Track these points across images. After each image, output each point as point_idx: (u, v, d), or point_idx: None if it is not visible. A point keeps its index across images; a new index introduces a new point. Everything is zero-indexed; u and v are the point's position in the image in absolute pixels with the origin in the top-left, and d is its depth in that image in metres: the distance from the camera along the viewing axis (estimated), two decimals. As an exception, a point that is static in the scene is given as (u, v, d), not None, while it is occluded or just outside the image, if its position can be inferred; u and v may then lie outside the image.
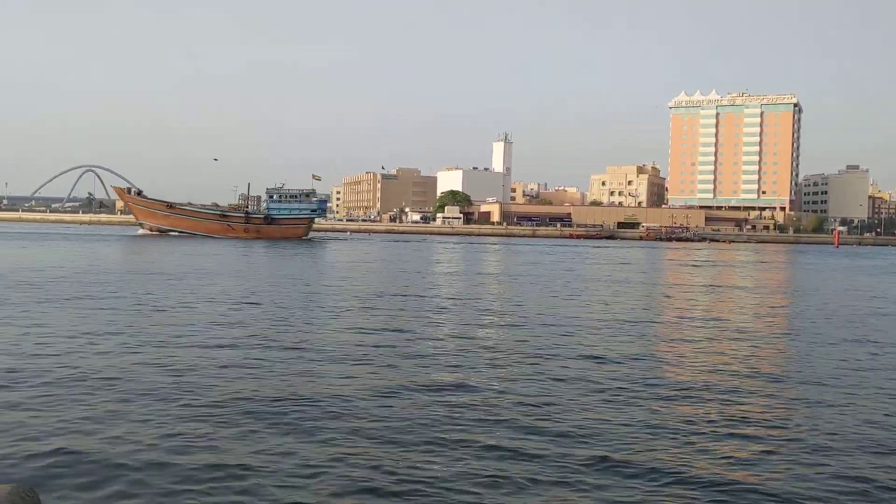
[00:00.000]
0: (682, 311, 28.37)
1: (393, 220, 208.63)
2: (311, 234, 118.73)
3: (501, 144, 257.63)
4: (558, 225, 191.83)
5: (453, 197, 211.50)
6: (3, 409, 11.41)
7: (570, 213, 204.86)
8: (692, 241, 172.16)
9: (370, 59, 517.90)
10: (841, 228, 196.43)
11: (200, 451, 9.80)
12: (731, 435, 11.16)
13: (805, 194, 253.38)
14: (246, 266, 48.19)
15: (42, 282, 32.01)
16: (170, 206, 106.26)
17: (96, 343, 17.50)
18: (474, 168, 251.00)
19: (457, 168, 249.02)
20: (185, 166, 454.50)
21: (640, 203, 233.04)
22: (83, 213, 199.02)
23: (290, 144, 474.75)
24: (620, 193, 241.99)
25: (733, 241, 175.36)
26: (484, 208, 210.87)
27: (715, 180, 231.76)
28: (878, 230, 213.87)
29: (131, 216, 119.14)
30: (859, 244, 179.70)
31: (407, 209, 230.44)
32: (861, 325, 25.08)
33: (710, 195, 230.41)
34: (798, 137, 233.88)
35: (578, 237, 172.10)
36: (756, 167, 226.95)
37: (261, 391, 13.04)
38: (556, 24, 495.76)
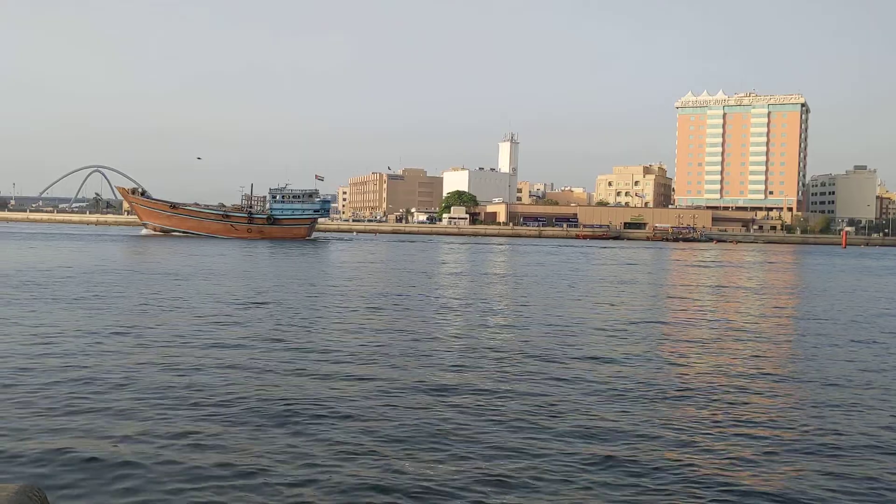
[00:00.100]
0: (688, 312, 28.31)
1: (399, 220, 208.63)
2: (316, 235, 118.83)
3: (507, 145, 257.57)
4: (564, 225, 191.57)
5: (459, 197, 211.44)
6: (11, 409, 11.46)
7: (576, 214, 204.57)
8: (699, 241, 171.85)
9: (376, 59, 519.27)
10: (848, 229, 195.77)
11: (207, 450, 9.84)
12: (737, 435, 11.15)
13: (812, 195, 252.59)
14: (249, 267, 48.24)
15: (49, 282, 32.12)
16: (173, 206, 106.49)
17: (103, 343, 17.56)
18: (480, 168, 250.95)
19: (463, 168, 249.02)
20: (191, 167, 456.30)
21: (646, 203, 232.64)
22: (90, 213, 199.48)
23: (295, 145, 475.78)
24: (627, 194, 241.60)
25: (740, 242, 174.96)
26: (490, 209, 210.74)
27: (722, 181, 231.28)
28: (886, 231, 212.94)
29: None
30: (867, 245, 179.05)
31: (413, 210, 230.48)
32: (868, 326, 25.01)
33: (717, 195, 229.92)
34: (805, 138, 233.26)
35: (585, 237, 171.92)
36: (763, 167, 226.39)
37: (268, 391, 13.08)
38: (562, 24, 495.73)
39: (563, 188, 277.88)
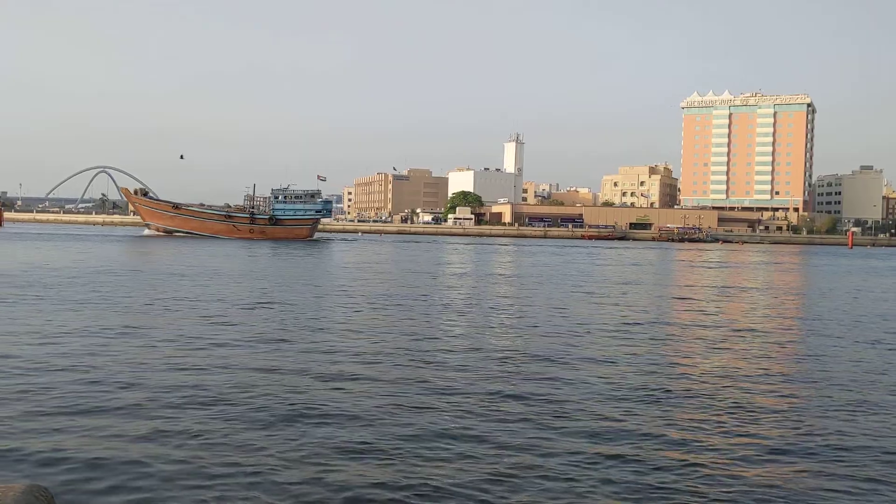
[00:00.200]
0: (693, 313, 28.27)
1: (404, 220, 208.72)
2: (319, 235, 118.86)
3: (513, 145, 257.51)
4: (570, 226, 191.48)
5: (465, 198, 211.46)
6: (17, 408, 11.51)
7: (581, 214, 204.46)
8: (705, 241, 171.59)
9: (376, 59, 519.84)
10: (855, 229, 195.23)
11: (214, 450, 9.87)
12: (742, 435, 11.15)
13: (818, 195, 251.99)
14: (250, 268, 48.33)
15: (55, 282, 32.22)
16: (176, 206, 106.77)
17: (108, 343, 17.62)
18: (486, 169, 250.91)
19: (468, 169, 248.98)
20: (191, 167, 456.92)
21: (652, 204, 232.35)
22: (96, 213, 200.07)
23: (295, 145, 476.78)
24: (633, 194, 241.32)
25: (746, 242, 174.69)
26: (495, 209, 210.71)
27: (728, 181, 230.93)
28: (893, 231, 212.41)
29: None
30: (873, 245, 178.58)
31: (418, 210, 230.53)
32: (874, 326, 24.95)
33: (723, 196, 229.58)
34: (811, 138, 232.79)
35: (590, 238, 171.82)
36: (769, 168, 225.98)
37: (274, 391, 13.10)
38: (567, 24, 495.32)
39: (568, 188, 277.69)
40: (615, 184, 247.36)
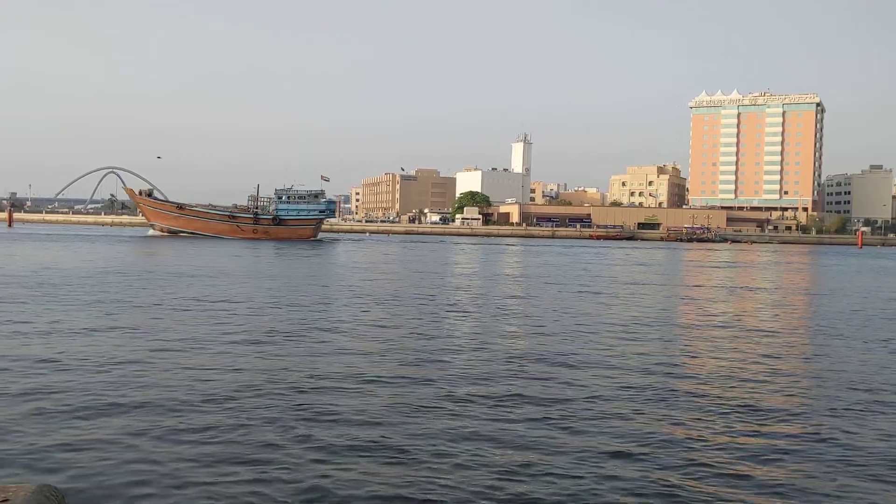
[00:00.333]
0: (702, 313, 28.21)
1: (412, 221, 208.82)
2: (326, 235, 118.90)
3: (521, 145, 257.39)
4: (578, 226, 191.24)
5: (472, 198, 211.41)
6: (27, 408, 11.57)
7: (589, 214, 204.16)
8: (713, 241, 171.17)
9: (376, 59, 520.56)
10: (864, 229, 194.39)
11: (223, 451, 9.90)
12: (747, 434, 11.13)
13: (828, 194, 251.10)
14: (257, 268, 48.42)
15: (64, 282, 32.36)
16: (180, 206, 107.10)
17: (117, 343, 17.69)
18: (493, 169, 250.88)
19: (476, 169, 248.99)
20: (198, 168, 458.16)
21: (660, 203, 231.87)
22: (105, 214, 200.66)
23: (295, 145, 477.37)
24: (641, 194, 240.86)
25: (755, 242, 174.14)
26: (503, 209, 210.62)
27: (736, 180, 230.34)
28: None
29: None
30: (883, 245, 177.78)
31: (426, 210, 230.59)
32: (884, 326, 24.85)
33: (732, 195, 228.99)
34: (821, 137, 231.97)
35: (598, 238, 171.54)
36: (778, 167, 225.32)
37: (280, 391, 13.14)
38: (575, 23, 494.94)
39: (576, 188, 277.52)
40: (623, 184, 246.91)
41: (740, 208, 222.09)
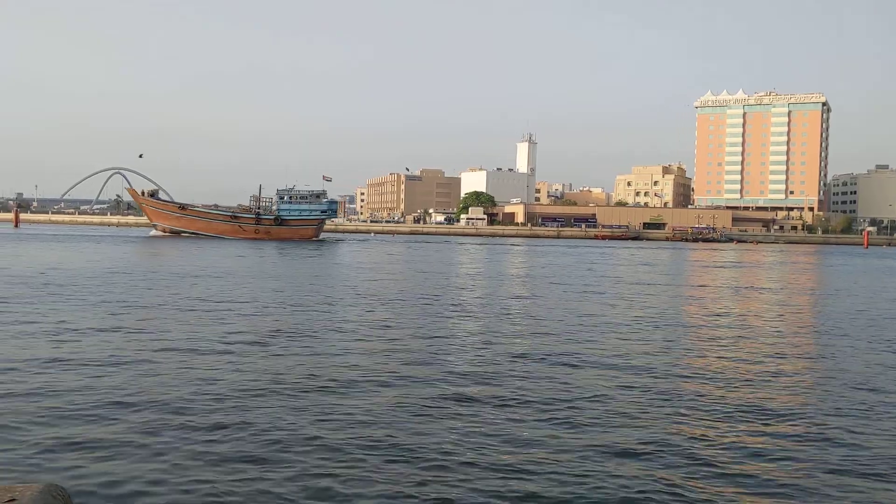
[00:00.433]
0: (706, 313, 28.17)
1: (417, 221, 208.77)
2: (330, 236, 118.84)
3: (526, 145, 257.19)
4: (583, 226, 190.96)
5: (477, 198, 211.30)
6: (33, 408, 11.62)
7: (595, 214, 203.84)
8: (719, 241, 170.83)
9: (376, 59, 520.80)
10: (870, 229, 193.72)
11: (230, 450, 9.94)
12: (751, 433, 11.13)
13: (833, 194, 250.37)
14: (257, 269, 48.46)
15: (69, 282, 32.45)
16: (182, 207, 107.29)
17: (121, 342, 17.75)
18: (498, 169, 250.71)
19: (481, 169, 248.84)
20: (198, 168, 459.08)
21: (665, 203, 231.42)
22: (111, 214, 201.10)
23: (295, 145, 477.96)
24: (646, 194, 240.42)
25: (761, 242, 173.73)
26: (508, 209, 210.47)
27: (742, 180, 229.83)
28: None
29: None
30: (889, 245, 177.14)
31: (431, 210, 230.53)
32: (888, 327, 24.79)
33: (737, 195, 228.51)
34: (826, 137, 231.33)
35: (604, 238, 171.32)
36: (784, 167, 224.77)
37: (286, 391, 13.18)
38: (578, 23, 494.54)
39: (581, 188, 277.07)
40: (628, 183, 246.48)
41: (746, 208, 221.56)
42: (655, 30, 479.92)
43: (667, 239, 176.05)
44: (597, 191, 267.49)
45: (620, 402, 12.93)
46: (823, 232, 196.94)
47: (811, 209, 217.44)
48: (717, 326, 23.98)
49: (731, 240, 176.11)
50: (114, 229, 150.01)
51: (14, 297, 26.17)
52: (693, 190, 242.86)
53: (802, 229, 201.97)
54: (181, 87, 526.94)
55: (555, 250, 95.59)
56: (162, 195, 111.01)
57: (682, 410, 12.52)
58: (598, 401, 13.00)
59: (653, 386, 14.37)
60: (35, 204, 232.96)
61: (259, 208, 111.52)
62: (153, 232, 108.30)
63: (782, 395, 13.97)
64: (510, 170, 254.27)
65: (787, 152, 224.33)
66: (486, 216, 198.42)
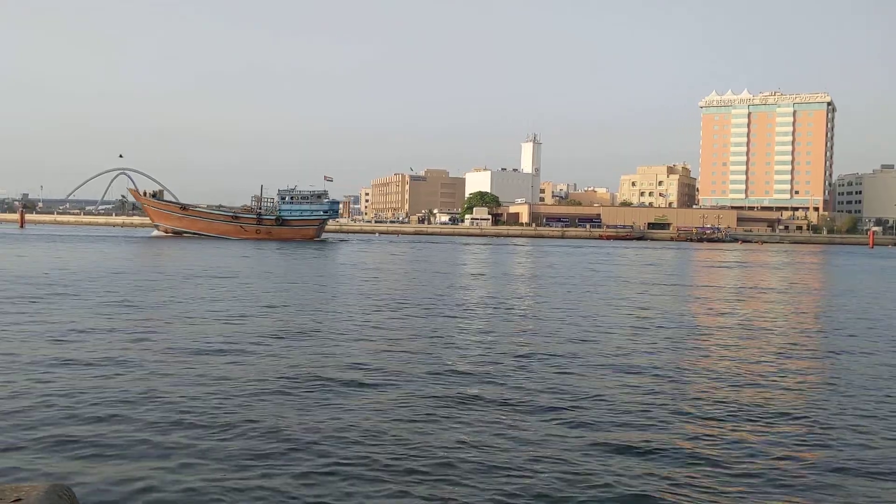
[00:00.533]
0: (711, 313, 28.14)
1: (421, 221, 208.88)
2: (332, 236, 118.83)
3: (530, 145, 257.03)
4: (588, 226, 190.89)
5: (482, 198, 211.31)
6: (39, 408, 11.66)
7: (599, 214, 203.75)
8: (724, 241, 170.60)
9: (382, 59, 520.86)
10: (876, 229, 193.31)
11: (231, 453, 9.96)
12: (758, 432, 11.11)
13: (839, 194, 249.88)
14: (259, 269, 48.51)
15: (74, 282, 32.53)
16: (183, 207, 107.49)
17: (126, 342, 17.78)
18: (503, 169, 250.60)
19: (485, 169, 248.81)
20: (198, 168, 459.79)
21: (670, 203, 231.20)
22: (116, 215, 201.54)
23: (295, 145, 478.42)
24: (651, 194, 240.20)
25: (766, 242, 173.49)
26: (513, 209, 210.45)
27: (747, 180, 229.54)
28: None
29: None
30: (894, 245, 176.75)
31: (435, 211, 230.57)
32: (893, 326, 24.72)
33: (742, 195, 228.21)
34: (831, 137, 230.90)
35: (608, 238, 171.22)
36: (789, 167, 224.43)
37: (291, 391, 13.20)
38: (584, 23, 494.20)
39: (586, 188, 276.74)
40: (633, 184, 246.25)
41: (751, 208, 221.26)
42: (660, 30, 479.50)
43: (671, 239, 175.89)
44: (601, 191, 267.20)
45: (625, 402, 12.91)
46: (829, 232, 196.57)
47: (816, 209, 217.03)
48: (721, 327, 23.94)
49: (736, 240, 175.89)
50: (118, 230, 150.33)
51: (19, 298, 26.24)
52: (698, 190, 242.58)
53: (807, 229, 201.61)
54: (181, 87, 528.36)
55: (559, 250, 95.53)
56: (167, 196, 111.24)
57: (687, 410, 12.51)
58: (602, 400, 12.99)
59: (658, 385, 14.35)
60: (40, 204, 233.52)
61: (261, 209, 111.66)
62: (155, 232, 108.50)
63: (787, 394, 13.95)
64: (515, 170, 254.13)
65: (793, 152, 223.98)
66: (490, 216, 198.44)
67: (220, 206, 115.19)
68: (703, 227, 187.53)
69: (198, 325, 20.98)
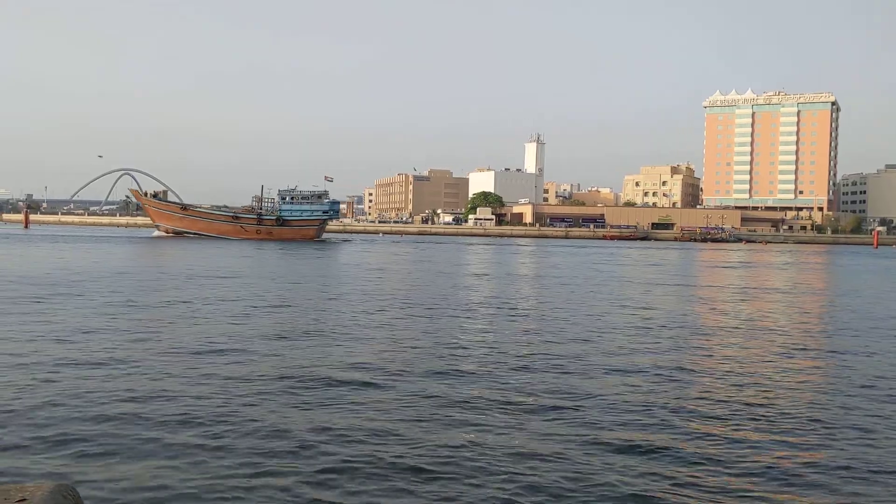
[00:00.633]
0: (714, 313, 28.11)
1: (425, 221, 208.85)
2: (341, 236, 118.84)
3: (534, 145, 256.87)
4: (591, 226, 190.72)
5: (485, 198, 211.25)
6: (43, 407, 11.68)
7: (603, 214, 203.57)
8: (728, 241, 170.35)
9: (382, 59, 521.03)
10: (880, 229, 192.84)
11: (234, 453, 9.97)
12: (761, 431, 11.11)
13: (843, 194, 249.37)
14: (260, 269, 48.54)
15: (77, 282, 32.59)
16: (184, 207, 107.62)
17: (129, 342, 17.81)
18: (506, 169, 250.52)
19: (489, 169, 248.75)
20: (198, 168, 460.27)
21: (674, 203, 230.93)
22: (120, 215, 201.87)
23: (295, 145, 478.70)
24: (654, 194, 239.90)
25: (770, 242, 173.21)
26: (516, 209, 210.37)
27: (751, 180, 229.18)
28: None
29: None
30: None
31: (439, 211, 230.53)
32: (899, 326, 24.71)
33: (746, 195, 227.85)
34: (836, 136, 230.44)
35: (612, 238, 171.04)
36: (793, 167, 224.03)
37: (293, 392, 13.22)
38: (588, 22, 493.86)
39: (589, 189, 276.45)
40: (637, 184, 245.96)
41: (755, 208, 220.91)
42: (662, 30, 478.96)
43: (675, 239, 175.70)
44: (605, 191, 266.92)
45: (628, 402, 12.91)
46: (833, 232, 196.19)
47: (820, 209, 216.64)
48: (725, 327, 23.92)
49: (740, 240, 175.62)
50: (122, 230, 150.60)
51: (23, 298, 26.30)
52: (702, 190, 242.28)
53: (812, 229, 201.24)
54: (181, 87, 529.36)
55: (563, 251, 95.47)
56: (171, 196, 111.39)
57: (690, 409, 12.50)
58: (605, 400, 12.99)
59: (661, 385, 14.35)
60: (45, 205, 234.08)
61: (261, 209, 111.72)
62: (156, 232, 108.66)
63: (790, 394, 13.93)
64: (518, 170, 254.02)
65: (797, 152, 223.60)
66: (494, 216, 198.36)
67: (224, 206, 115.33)
68: (706, 228, 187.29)
69: (202, 325, 21.02)
